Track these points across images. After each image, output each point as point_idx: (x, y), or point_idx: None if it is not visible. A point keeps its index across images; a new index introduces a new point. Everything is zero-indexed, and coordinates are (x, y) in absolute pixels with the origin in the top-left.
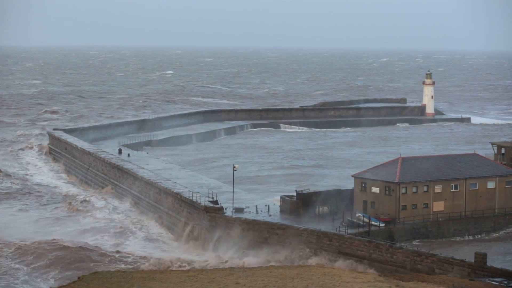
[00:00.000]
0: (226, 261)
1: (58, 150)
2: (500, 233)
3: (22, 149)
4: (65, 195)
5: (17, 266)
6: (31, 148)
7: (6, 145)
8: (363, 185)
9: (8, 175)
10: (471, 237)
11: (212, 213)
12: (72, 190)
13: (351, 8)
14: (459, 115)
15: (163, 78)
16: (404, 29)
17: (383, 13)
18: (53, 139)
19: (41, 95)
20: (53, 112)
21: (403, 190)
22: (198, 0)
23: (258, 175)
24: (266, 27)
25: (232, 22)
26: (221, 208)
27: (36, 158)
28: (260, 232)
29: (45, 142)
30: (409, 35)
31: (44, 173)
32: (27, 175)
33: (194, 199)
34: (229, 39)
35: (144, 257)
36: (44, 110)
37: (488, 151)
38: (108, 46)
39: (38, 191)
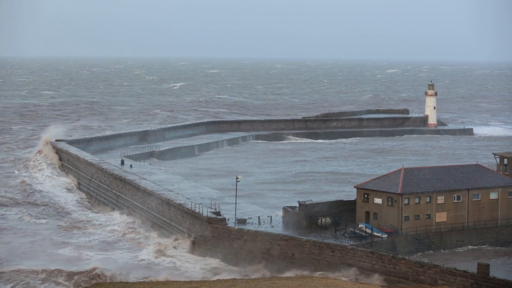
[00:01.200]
0: (228, 272)
1: (62, 162)
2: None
3: (29, 160)
4: (64, 207)
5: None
6: (38, 158)
7: (16, 155)
8: (365, 196)
9: (12, 186)
10: (474, 248)
11: (215, 224)
12: (74, 200)
13: (355, 18)
14: (461, 126)
15: (179, 89)
16: (408, 40)
17: (387, 24)
18: (55, 150)
19: (57, 106)
20: (75, 121)
21: (406, 201)
22: (198, 11)
23: (261, 186)
24: (266, 38)
25: (232, 33)
26: (224, 219)
27: (44, 169)
28: (263, 243)
29: (51, 153)
30: (414, 45)
31: (46, 183)
32: (30, 184)
33: (197, 210)
34: (231, 50)
35: (146, 269)
36: (66, 121)
37: (490, 162)
38: (103, 57)
39: (37, 203)
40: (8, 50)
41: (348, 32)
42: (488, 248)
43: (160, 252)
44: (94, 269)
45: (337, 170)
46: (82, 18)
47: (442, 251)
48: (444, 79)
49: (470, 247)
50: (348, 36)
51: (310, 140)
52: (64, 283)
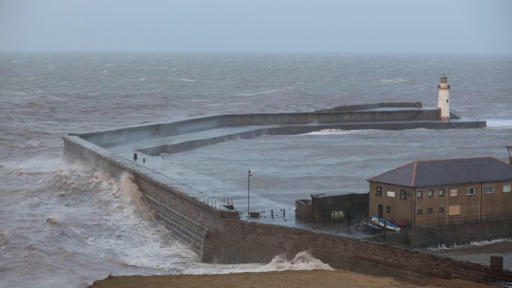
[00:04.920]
0: (239, 266)
1: (73, 155)
2: None
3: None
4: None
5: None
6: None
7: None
8: (378, 189)
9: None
10: (487, 241)
11: (228, 217)
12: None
13: (350, 11)
14: (474, 119)
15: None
16: (404, 33)
17: (382, 17)
18: (68, 144)
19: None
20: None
21: (419, 194)
22: (199, 5)
23: (274, 179)
24: (266, 32)
25: (236, 27)
26: (237, 213)
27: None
28: (276, 237)
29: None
30: (410, 38)
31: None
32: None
33: (210, 204)
34: (237, 44)
35: (160, 263)
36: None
37: (503, 155)
38: (109, 51)
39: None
40: (9, 44)
41: (341, 26)
42: (502, 240)
43: (173, 245)
44: None
45: (350, 163)
46: (84, 14)
47: (455, 244)
48: (458, 72)
49: (483, 240)
50: (341, 29)
51: (324, 133)
52: None
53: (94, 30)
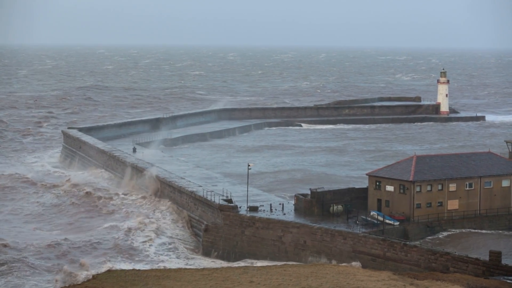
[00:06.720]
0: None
1: (73, 148)
2: None
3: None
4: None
5: (36, 262)
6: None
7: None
8: (377, 183)
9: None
10: (487, 232)
11: (226, 211)
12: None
13: (349, 6)
14: (473, 114)
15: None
16: (404, 27)
17: (382, 11)
18: (67, 137)
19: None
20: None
21: (418, 189)
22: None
23: (273, 173)
24: (269, 25)
25: (237, 21)
26: (235, 207)
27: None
28: (274, 231)
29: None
30: (411, 33)
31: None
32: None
33: (209, 198)
34: (237, 37)
35: (158, 256)
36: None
37: (502, 150)
38: (112, 45)
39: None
40: (20, 37)
41: (345, 20)
42: (500, 232)
43: (172, 240)
44: None
45: (349, 157)
46: (91, 7)
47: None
48: (455, 67)
49: (483, 232)
50: (337, 24)
51: (324, 127)
52: None
53: (96, 23)
